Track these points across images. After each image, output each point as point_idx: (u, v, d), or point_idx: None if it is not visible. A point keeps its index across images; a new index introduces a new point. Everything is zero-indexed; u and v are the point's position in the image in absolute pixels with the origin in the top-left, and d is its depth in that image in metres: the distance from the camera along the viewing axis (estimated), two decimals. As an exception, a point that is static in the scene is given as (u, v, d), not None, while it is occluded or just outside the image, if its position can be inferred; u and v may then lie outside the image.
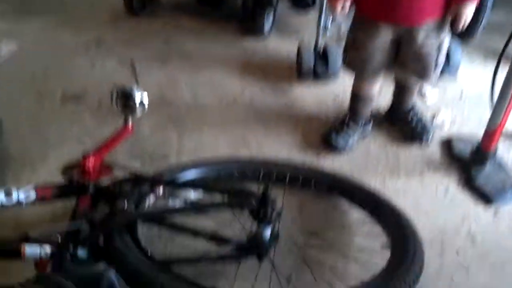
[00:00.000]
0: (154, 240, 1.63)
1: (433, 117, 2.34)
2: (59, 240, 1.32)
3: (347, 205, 1.81)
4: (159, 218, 1.49)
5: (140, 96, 1.57)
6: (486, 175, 1.96)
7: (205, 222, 1.59)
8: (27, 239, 1.31)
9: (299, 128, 2.25)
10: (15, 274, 1.44)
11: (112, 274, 1.15)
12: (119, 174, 1.62)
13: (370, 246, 1.61)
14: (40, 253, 1.28)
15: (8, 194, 1.39)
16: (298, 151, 2.12)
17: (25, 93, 2.44)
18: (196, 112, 2.34)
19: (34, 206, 1.65)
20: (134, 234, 1.41)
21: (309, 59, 2.51)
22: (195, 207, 1.48)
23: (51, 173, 1.81)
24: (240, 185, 1.76)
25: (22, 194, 1.43)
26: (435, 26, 1.81)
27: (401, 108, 2.21)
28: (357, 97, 2.12)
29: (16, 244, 1.29)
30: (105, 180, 1.57)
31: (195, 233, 1.49)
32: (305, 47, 2.57)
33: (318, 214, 1.79)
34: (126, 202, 1.48)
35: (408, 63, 1.92)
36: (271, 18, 3.00)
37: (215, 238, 1.46)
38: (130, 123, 1.68)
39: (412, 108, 2.21)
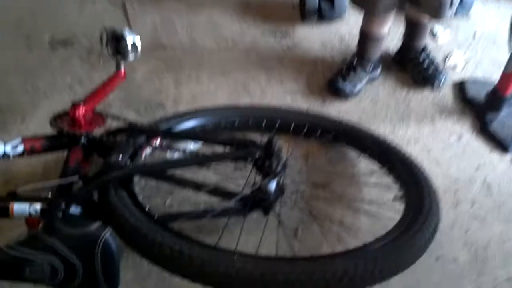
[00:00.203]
0: (152, 195, 1.55)
1: (445, 59, 2.21)
2: (50, 197, 1.22)
3: (356, 155, 1.71)
4: (157, 171, 1.40)
5: (132, 39, 1.45)
6: (502, 121, 1.86)
7: (206, 176, 1.50)
8: (15, 196, 1.22)
9: (303, 73, 2.11)
10: (7, 231, 1.38)
11: (107, 234, 1.07)
12: (112, 124, 1.52)
13: (380, 198, 1.53)
14: (29, 211, 1.19)
15: (-7, 146, 1.29)
16: (302, 97, 2.00)
17: (12, 39, 2.27)
18: (194, 57, 2.19)
19: (25, 162, 1.58)
20: (130, 189, 1.31)
21: (313, -2, 2.34)
22: (195, 159, 1.37)
23: (42, 124, 1.71)
24: (242, 135, 1.67)
25: (9, 147, 1.34)
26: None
27: (412, 49, 2.08)
28: (366, 38, 1.98)
29: (4, 201, 1.20)
30: (98, 131, 1.47)
31: (196, 186, 1.40)
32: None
33: (325, 165, 1.70)
34: (120, 155, 1.39)
35: (422, 0, 1.77)
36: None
37: (218, 191, 1.38)
38: (122, 68, 1.58)
39: (423, 49, 2.07)
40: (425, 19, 1.91)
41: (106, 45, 1.48)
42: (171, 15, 2.44)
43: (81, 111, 1.43)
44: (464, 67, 2.18)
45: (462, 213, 1.57)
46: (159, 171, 1.40)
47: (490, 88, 1.91)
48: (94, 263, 1.04)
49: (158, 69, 2.10)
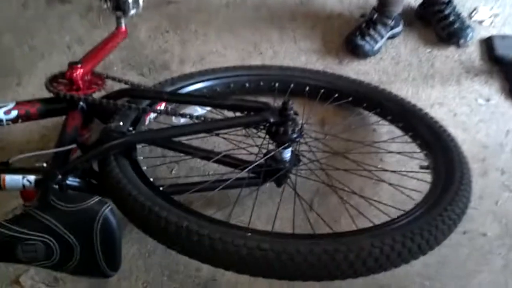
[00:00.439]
0: (156, 164, 1.44)
1: (471, 14, 2.04)
2: (45, 168, 1.12)
3: (376, 120, 1.58)
4: (162, 138, 1.28)
5: (133, -8, 1.33)
6: (534, 82, 1.72)
7: (215, 143, 1.39)
8: (7, 167, 1.12)
9: (318, 31, 1.95)
10: (2, 203, 1.30)
11: (107, 209, 0.97)
12: (114, 87, 1.41)
13: (403, 167, 1.42)
14: (23, 183, 1.09)
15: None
16: (317, 57, 1.86)
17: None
18: (200, 13, 2.03)
19: (20, 129, 1.49)
20: (133, 158, 1.21)
21: None
22: (203, 126, 1.25)
23: (40, 86, 1.59)
24: (254, 98, 1.54)
25: (2, 112, 1.24)
26: None
27: (436, 2, 1.91)
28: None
29: (-5, 172, 1.10)
30: (98, 95, 1.35)
31: (204, 155, 1.29)
32: None
33: (343, 132, 1.57)
34: (122, 120, 1.28)
35: None
36: None
37: (228, 160, 1.27)
38: (123, 25, 1.47)
39: (449, 2, 1.90)
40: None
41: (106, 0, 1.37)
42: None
43: (79, 72, 1.33)
44: (491, 23, 2.01)
45: (491, 182, 1.46)
46: (164, 138, 1.28)
47: (521, 45, 1.76)
48: (93, 241, 0.94)
49: (162, 27, 1.96)
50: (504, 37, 1.93)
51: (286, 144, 1.22)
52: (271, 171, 1.25)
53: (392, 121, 1.51)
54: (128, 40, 1.83)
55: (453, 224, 1.08)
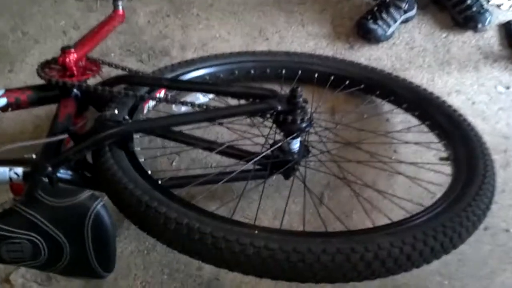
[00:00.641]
0: (156, 157, 1.35)
1: (488, -3, 1.94)
2: (34, 159, 1.03)
3: (390, 108, 1.49)
4: (161, 127, 1.19)
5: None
6: (557, 68, 1.62)
7: (218, 133, 1.30)
8: (-7, 159, 1.03)
9: (328, 14, 1.86)
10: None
11: (99, 205, 0.88)
12: (111, 74, 1.32)
13: (421, 158, 1.32)
14: (10, 175, 1.00)
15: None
16: (327, 42, 1.76)
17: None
18: (203, -4, 1.95)
19: (12, 119, 1.41)
20: (130, 149, 1.12)
21: None
22: (205, 114, 1.16)
23: (33, 74, 1.51)
24: (259, 86, 1.45)
25: (-11, 99, 1.16)
26: None
27: (452, -17, 1.82)
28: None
29: (-21, 165, 1.02)
30: (93, 82, 1.26)
31: (207, 146, 1.20)
32: None
33: (354, 120, 1.48)
34: (117, 108, 1.19)
35: None
36: None
37: (233, 151, 1.18)
38: (120, 8, 1.39)
39: (465, -16, 1.81)
40: None
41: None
42: None
43: (72, 57, 1.24)
44: (510, 7, 1.91)
45: (513, 175, 1.36)
46: (164, 128, 1.19)
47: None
48: (84, 240, 0.85)
49: (163, 11, 1.87)
50: (524, 20, 1.83)
51: (295, 134, 1.13)
52: (279, 163, 1.17)
53: (407, 110, 1.41)
54: (126, 25, 1.75)
55: (477, 220, 0.99)
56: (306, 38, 1.77)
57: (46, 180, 0.98)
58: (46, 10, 1.87)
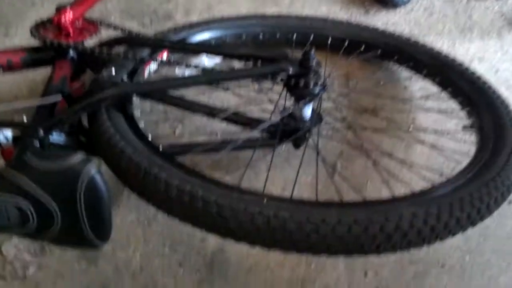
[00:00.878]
0: (157, 122, 1.27)
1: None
2: (25, 122, 0.96)
3: (408, 74, 1.39)
4: (162, 90, 1.11)
5: None
6: None
7: (224, 99, 1.21)
8: (-19, 121, 0.96)
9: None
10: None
11: (93, 169, 0.80)
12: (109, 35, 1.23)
13: (440, 126, 1.23)
14: (-1, 139, 0.93)
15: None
16: (340, 7, 1.65)
17: None
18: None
19: (6, 82, 1.34)
20: (129, 113, 1.04)
21: None
22: (210, 77, 1.07)
23: (29, 38, 1.43)
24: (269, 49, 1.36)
25: (-20, 61, 1.08)
26: None
27: None
28: None
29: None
30: (90, 42, 1.17)
31: (211, 112, 1.11)
32: None
33: (370, 86, 1.39)
34: (114, 69, 1.11)
35: None
36: None
37: (239, 118, 1.09)
38: None
39: None
40: None
41: None
42: None
43: (68, 16, 1.15)
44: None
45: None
46: (164, 90, 1.11)
47: None
48: (76, 206, 0.78)
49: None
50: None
51: (307, 99, 1.04)
52: (289, 131, 1.08)
53: (427, 76, 1.31)
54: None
55: (506, 190, 0.90)
56: (319, 2, 1.67)
57: (37, 144, 0.90)
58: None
